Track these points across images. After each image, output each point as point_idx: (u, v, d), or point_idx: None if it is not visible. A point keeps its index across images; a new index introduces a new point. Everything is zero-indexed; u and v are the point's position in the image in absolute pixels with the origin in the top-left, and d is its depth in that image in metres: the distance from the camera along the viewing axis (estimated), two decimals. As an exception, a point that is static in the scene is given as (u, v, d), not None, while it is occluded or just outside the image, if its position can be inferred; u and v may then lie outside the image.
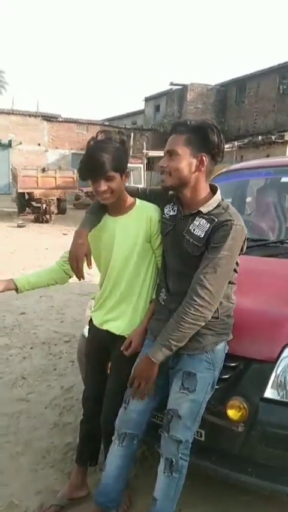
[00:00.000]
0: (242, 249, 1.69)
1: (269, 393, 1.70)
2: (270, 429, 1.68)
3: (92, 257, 1.75)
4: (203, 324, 1.60)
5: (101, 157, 1.65)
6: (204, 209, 1.65)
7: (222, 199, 1.71)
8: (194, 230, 1.65)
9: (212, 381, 1.68)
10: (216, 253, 1.58)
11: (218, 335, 1.68)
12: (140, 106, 26.96)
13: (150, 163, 18.57)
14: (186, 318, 1.56)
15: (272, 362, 1.71)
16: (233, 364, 1.78)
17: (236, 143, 15.97)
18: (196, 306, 1.55)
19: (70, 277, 2.03)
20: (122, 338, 1.85)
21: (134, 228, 1.79)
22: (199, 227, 1.64)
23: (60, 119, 22.55)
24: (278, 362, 1.70)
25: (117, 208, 1.81)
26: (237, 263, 1.71)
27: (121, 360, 1.84)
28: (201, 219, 1.65)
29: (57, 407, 2.89)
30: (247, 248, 2.42)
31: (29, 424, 2.69)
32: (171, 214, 1.77)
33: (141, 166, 17.54)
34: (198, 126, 1.63)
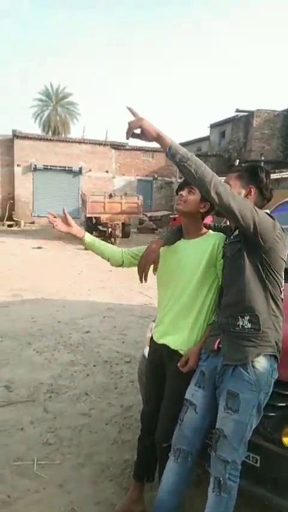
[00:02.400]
0: (275, 237, 1.75)
1: None
2: None
3: (157, 270, 2.00)
4: (210, 185, 1.63)
5: None
6: None
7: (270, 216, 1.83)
8: (233, 237, 1.87)
9: (256, 404, 1.71)
10: None
11: (260, 347, 1.74)
12: (206, 132, 27.36)
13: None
14: (205, 169, 1.65)
15: None
16: (290, 392, 1.80)
17: (303, 168, 15.57)
18: (217, 180, 1.65)
19: (121, 265, 2.18)
20: (177, 354, 1.96)
21: (201, 250, 1.99)
22: (235, 231, 1.86)
23: (128, 147, 23.48)
24: None
25: (189, 231, 2.05)
26: (280, 280, 1.81)
27: (176, 377, 1.95)
28: None
29: (117, 425, 3.02)
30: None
31: (90, 438, 2.84)
32: (226, 243, 1.97)
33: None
34: (250, 165, 2.00)
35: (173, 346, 1.99)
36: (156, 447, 2.01)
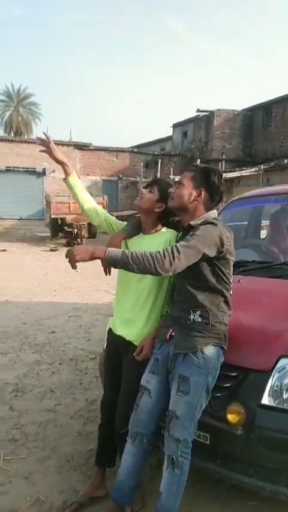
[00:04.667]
0: (223, 247, 1.89)
1: (266, 400, 1.88)
2: (267, 433, 1.85)
3: None
4: (156, 270, 1.77)
5: (156, 178, 2.24)
6: (193, 222, 1.96)
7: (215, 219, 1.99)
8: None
9: (205, 386, 1.88)
10: (191, 235, 1.87)
11: (208, 338, 1.90)
12: (168, 132, 27.70)
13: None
14: (152, 255, 1.77)
15: (268, 372, 1.90)
16: (234, 374, 1.98)
17: (262, 166, 16.13)
18: (165, 254, 1.77)
19: (90, 216, 2.24)
20: (132, 345, 2.10)
21: (155, 246, 2.09)
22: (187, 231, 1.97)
23: (91, 148, 23.45)
24: (274, 372, 1.90)
25: (145, 227, 2.18)
26: (229, 280, 1.96)
27: (131, 366, 2.09)
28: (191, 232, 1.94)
29: (82, 418, 3.13)
30: (253, 269, 2.65)
31: (55, 432, 2.93)
32: (178, 238, 2.10)
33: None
34: (204, 168, 2.05)
35: (127, 338, 2.12)
36: (115, 433, 2.14)
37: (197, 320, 1.92)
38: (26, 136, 34.94)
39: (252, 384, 1.93)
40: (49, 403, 3.34)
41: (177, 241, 2.08)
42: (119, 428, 2.09)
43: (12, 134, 35.91)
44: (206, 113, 23.03)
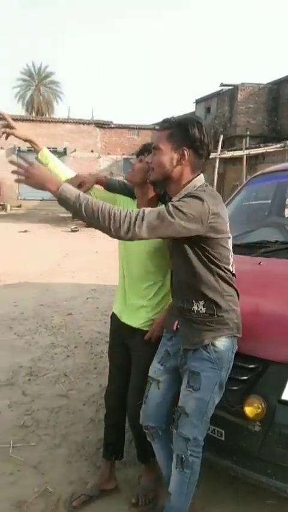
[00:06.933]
0: (215, 230, 1.59)
1: (287, 395, 1.70)
2: (287, 431, 1.68)
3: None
4: (109, 232, 1.49)
5: (145, 144, 1.98)
6: (176, 199, 1.65)
7: (206, 185, 1.69)
8: None
9: (218, 381, 1.69)
10: (170, 204, 1.53)
11: (217, 330, 1.68)
12: (191, 108, 26.93)
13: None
14: (110, 212, 1.48)
15: (290, 364, 1.72)
16: (252, 366, 1.80)
17: (287, 142, 15.45)
18: (125, 216, 1.48)
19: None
20: (139, 331, 1.95)
21: None
22: None
23: (112, 126, 23.11)
24: (296, 365, 1.71)
25: (139, 203, 1.94)
26: (224, 259, 1.68)
27: (139, 354, 1.94)
28: None
29: (95, 404, 3.04)
30: (276, 251, 2.42)
31: (67, 419, 2.85)
32: None
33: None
34: (180, 122, 1.68)
35: (135, 325, 1.97)
36: (129, 425, 2.03)
37: (201, 311, 1.68)
38: (47, 115, 34.76)
39: (272, 378, 1.74)
40: (62, 388, 3.26)
41: None
42: (132, 420, 1.97)
43: (33, 114, 35.77)
44: (230, 88, 22.18)
